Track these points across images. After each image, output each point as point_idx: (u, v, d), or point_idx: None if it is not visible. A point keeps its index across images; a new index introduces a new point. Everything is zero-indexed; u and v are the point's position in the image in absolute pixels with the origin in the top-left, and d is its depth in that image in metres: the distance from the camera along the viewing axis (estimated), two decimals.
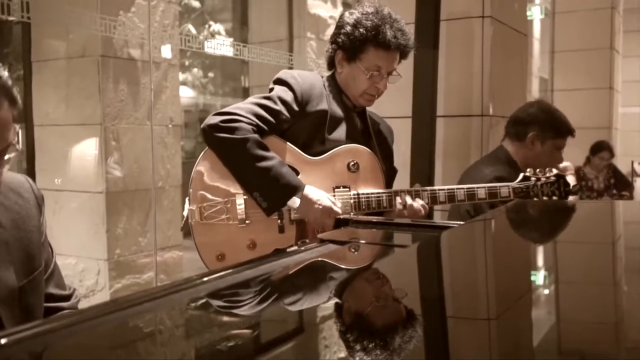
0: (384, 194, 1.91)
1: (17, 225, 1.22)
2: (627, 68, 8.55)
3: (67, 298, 1.37)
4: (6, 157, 1.10)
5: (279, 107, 1.86)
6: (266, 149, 1.81)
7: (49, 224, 3.74)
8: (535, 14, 7.44)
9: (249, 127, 1.80)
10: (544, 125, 2.43)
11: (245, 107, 1.84)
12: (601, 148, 5.68)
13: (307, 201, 1.80)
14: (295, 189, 1.81)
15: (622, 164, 6.91)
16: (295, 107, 1.88)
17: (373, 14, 1.91)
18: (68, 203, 3.43)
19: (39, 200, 1.31)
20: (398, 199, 1.90)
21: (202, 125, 1.83)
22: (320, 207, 1.80)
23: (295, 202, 1.81)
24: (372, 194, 1.90)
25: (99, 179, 3.33)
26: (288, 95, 1.88)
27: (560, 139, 2.46)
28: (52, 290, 1.34)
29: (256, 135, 1.80)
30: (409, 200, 1.90)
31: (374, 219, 1.59)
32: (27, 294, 1.19)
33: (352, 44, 1.92)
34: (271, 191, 1.80)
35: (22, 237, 1.23)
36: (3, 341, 0.66)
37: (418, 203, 1.90)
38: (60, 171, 3.45)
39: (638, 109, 10.15)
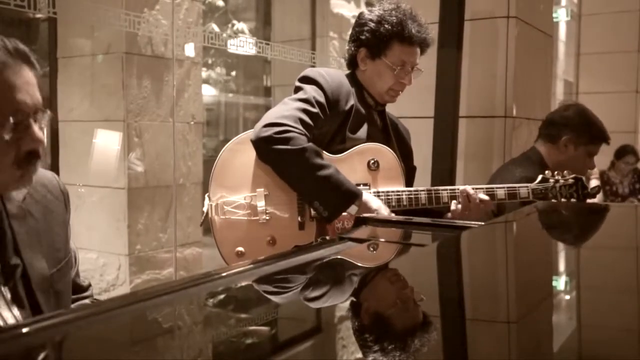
0: (403, 193, 1.90)
1: (46, 217, 1.29)
2: None
3: (88, 289, 1.47)
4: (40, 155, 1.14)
5: (317, 110, 1.86)
6: (322, 157, 1.81)
7: (71, 218, 3.76)
8: (561, 15, 7.35)
9: (302, 136, 1.79)
10: (579, 130, 2.37)
11: (290, 116, 1.81)
12: (626, 152, 5.60)
13: (366, 209, 1.79)
14: (355, 196, 1.80)
15: None
16: (328, 109, 1.88)
17: (395, 10, 1.93)
18: (90, 198, 3.47)
19: (65, 196, 1.39)
20: (468, 190, 1.91)
21: (252, 139, 1.80)
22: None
23: (353, 209, 1.81)
24: (392, 192, 1.90)
25: (121, 174, 3.36)
26: (321, 97, 1.88)
27: (594, 145, 2.40)
28: (79, 281, 1.44)
29: (312, 144, 1.79)
30: (470, 191, 1.91)
31: (393, 217, 1.58)
32: (56, 282, 1.26)
33: (377, 40, 1.93)
34: (332, 199, 1.80)
35: (51, 229, 1.29)
36: (24, 330, 0.67)
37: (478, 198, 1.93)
38: (84, 166, 3.49)
39: None
